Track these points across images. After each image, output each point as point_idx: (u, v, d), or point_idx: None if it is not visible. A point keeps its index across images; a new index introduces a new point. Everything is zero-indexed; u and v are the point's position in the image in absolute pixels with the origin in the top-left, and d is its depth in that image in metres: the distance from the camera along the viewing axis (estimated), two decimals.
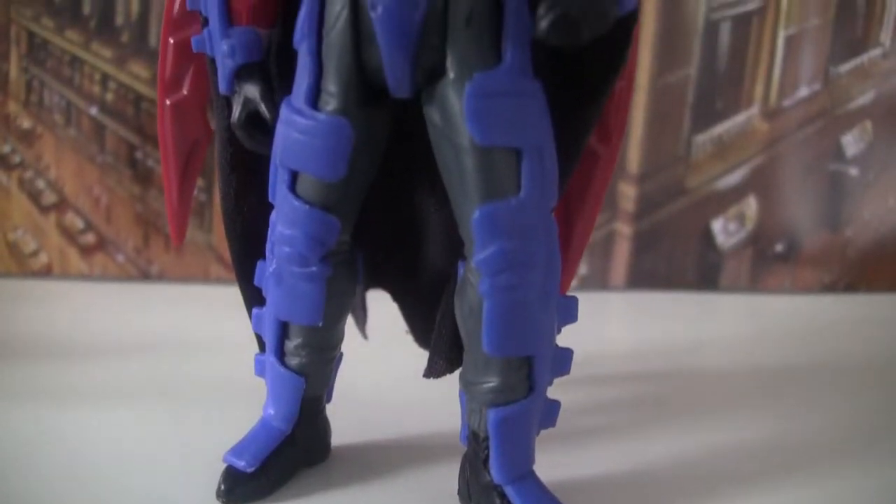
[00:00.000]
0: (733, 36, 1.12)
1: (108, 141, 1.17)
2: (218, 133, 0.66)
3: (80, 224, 1.19)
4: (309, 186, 0.59)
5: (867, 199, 1.17)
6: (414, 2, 0.54)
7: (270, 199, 0.62)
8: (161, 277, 1.19)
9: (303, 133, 0.58)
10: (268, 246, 0.63)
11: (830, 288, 1.19)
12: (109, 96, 1.15)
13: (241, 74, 0.62)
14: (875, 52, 1.15)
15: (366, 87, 0.57)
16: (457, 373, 0.65)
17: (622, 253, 1.17)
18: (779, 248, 1.17)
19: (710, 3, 1.11)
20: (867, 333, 1.05)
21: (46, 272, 1.21)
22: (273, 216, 0.62)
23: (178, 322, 1.03)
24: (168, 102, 0.72)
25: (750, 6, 1.12)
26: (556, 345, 0.61)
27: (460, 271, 0.61)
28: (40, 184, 1.18)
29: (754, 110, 1.14)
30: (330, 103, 0.57)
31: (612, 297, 1.17)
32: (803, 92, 1.14)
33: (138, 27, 1.15)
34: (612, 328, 1.07)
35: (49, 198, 1.19)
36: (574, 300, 0.61)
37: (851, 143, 1.15)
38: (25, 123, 1.18)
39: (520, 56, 0.55)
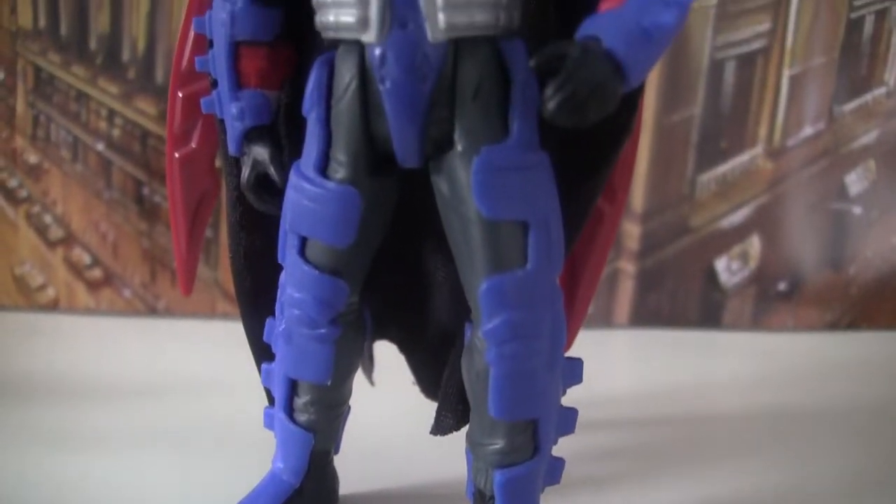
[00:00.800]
0: (738, 75, 1.12)
1: (115, 177, 1.18)
2: (227, 192, 0.67)
3: (87, 259, 1.20)
4: (318, 251, 0.60)
5: (870, 237, 1.18)
6: (422, 76, 0.55)
7: (280, 261, 0.62)
8: (168, 312, 1.19)
9: (312, 201, 0.58)
10: (277, 306, 0.64)
11: (833, 326, 1.19)
12: (116, 132, 1.16)
13: (250, 136, 0.63)
14: (879, 91, 1.15)
15: (374, 157, 0.58)
16: (464, 428, 0.66)
17: (626, 291, 1.17)
18: (782, 286, 1.18)
19: (714, 42, 1.11)
20: (870, 372, 1.06)
21: (53, 306, 1.22)
22: (283, 277, 0.63)
23: (185, 359, 1.04)
24: (177, 155, 0.73)
25: (755, 45, 1.13)
26: (561, 405, 0.62)
27: (467, 334, 0.61)
28: (47, 218, 1.19)
29: (758, 150, 1.15)
30: (339, 172, 0.58)
31: (616, 335, 1.17)
32: (807, 131, 1.15)
33: (144, 63, 1.16)
34: (615, 367, 1.08)
35: (56, 233, 1.20)
36: (579, 362, 0.62)
37: (855, 181, 1.16)
38: (32, 158, 1.18)
39: (527, 128, 0.56)
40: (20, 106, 1.18)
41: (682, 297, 1.17)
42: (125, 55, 1.16)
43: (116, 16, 1.14)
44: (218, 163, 0.71)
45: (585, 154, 0.61)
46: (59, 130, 1.18)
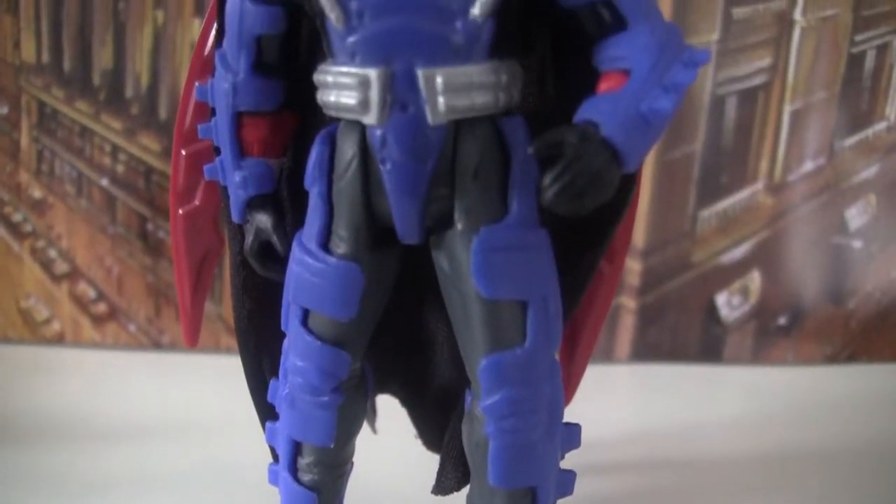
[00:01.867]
0: (739, 111, 1.13)
1: (120, 212, 1.18)
2: (231, 256, 0.68)
3: (92, 294, 1.21)
4: (320, 323, 0.60)
5: (870, 271, 1.18)
6: (423, 157, 0.55)
7: (283, 329, 0.63)
8: (172, 347, 1.20)
9: (314, 275, 0.59)
10: (281, 370, 0.64)
11: (832, 359, 1.20)
12: (120, 168, 1.17)
13: (252, 204, 0.63)
14: (880, 126, 1.16)
15: (376, 232, 0.59)
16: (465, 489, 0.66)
17: (627, 326, 1.18)
18: (782, 321, 1.18)
19: (716, 78, 1.12)
20: (870, 405, 1.07)
21: (59, 340, 1.23)
22: (286, 344, 0.63)
23: (190, 394, 1.05)
24: (181, 212, 0.73)
25: (756, 81, 1.13)
26: (560, 468, 0.63)
27: (467, 400, 0.62)
28: (52, 253, 1.20)
29: (759, 185, 1.15)
30: (340, 246, 0.58)
31: (617, 370, 1.18)
32: (808, 166, 1.15)
33: (148, 100, 1.16)
34: (616, 404, 1.08)
35: (61, 267, 1.21)
36: (577, 428, 0.63)
37: (855, 216, 1.16)
38: (37, 193, 1.19)
39: (526, 206, 0.57)
40: (24, 140, 1.18)
41: (682, 331, 1.18)
42: (128, 91, 1.16)
43: (119, 52, 1.15)
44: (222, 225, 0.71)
45: (585, 228, 0.62)
46: (63, 165, 1.19)
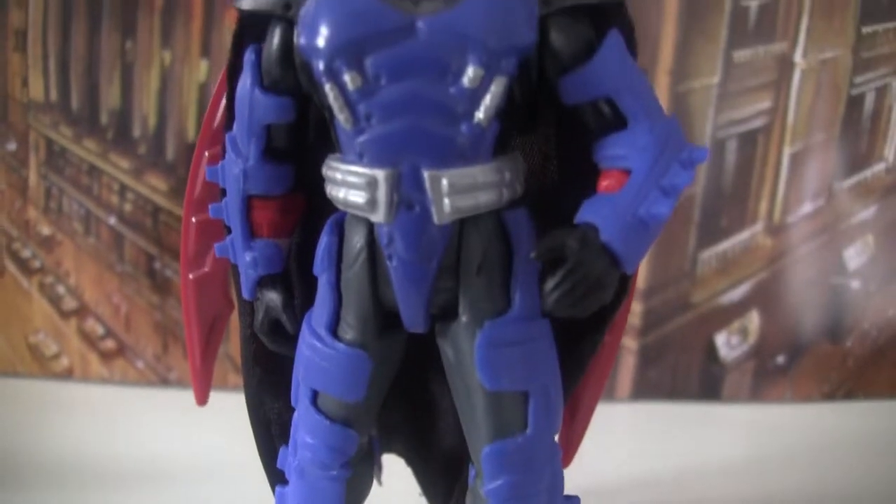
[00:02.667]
0: (739, 153, 1.14)
1: (127, 250, 1.20)
2: (241, 329, 0.69)
3: (100, 330, 1.23)
4: (329, 403, 0.62)
5: (868, 310, 1.20)
6: (428, 255, 0.57)
7: (293, 404, 0.65)
8: (180, 384, 1.22)
9: (323, 360, 0.61)
10: (291, 441, 0.66)
11: (830, 396, 1.21)
12: (127, 207, 1.18)
13: (263, 283, 0.65)
14: (878, 167, 1.17)
15: (383, 319, 0.60)
16: None
17: (627, 366, 1.20)
18: (780, 359, 1.20)
19: (716, 121, 1.13)
20: (867, 442, 1.08)
21: (67, 375, 1.25)
22: (296, 417, 0.65)
23: (196, 431, 1.06)
24: (191, 277, 0.75)
25: (756, 123, 1.14)
26: None
27: (471, 473, 0.64)
28: (60, 289, 1.22)
29: (758, 227, 1.16)
30: (349, 333, 0.60)
31: (618, 409, 1.19)
32: (807, 208, 1.16)
33: (155, 140, 1.18)
34: (618, 442, 1.09)
35: (69, 303, 1.22)
36: (576, 500, 0.64)
37: (853, 256, 1.17)
38: (45, 230, 1.21)
39: (528, 298, 0.59)
40: (33, 177, 1.20)
41: (682, 370, 1.19)
42: (136, 131, 1.18)
43: (127, 92, 1.17)
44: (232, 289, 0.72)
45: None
46: (71, 203, 1.20)
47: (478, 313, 0.58)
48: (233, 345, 1.20)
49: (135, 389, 1.23)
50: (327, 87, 0.55)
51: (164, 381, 1.23)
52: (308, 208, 0.67)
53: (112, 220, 1.20)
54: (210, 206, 0.68)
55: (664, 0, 1.09)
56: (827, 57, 1.13)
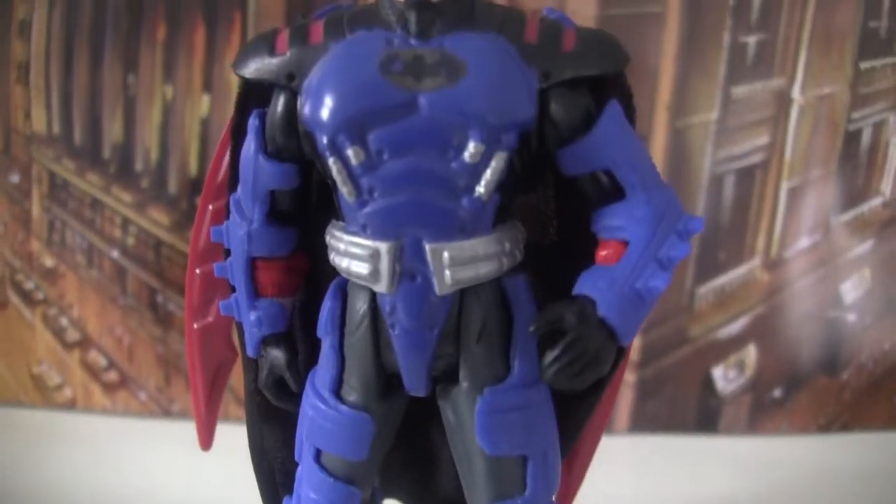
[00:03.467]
0: (737, 189, 1.15)
1: (130, 284, 1.21)
2: (245, 383, 0.71)
3: (102, 362, 1.23)
4: (332, 462, 0.63)
5: (864, 343, 1.20)
6: (430, 325, 0.59)
7: (297, 460, 0.66)
8: (182, 415, 1.22)
9: (326, 421, 0.62)
10: (294, 495, 0.67)
11: (826, 428, 1.22)
12: (130, 240, 1.19)
13: (267, 342, 0.66)
14: (875, 202, 1.18)
15: (385, 381, 0.62)
16: None
17: (626, 399, 1.20)
18: (776, 393, 1.21)
19: (714, 157, 1.14)
20: (863, 473, 1.09)
21: (70, 406, 1.26)
22: (300, 472, 0.66)
23: (199, 463, 1.07)
24: (196, 326, 0.76)
25: (754, 159, 1.15)
26: None
27: None
28: (63, 321, 1.23)
29: (756, 262, 1.17)
30: (351, 395, 0.62)
31: (616, 441, 1.20)
32: (804, 242, 1.17)
33: (157, 174, 1.18)
34: (616, 474, 1.09)
35: (72, 335, 1.23)
36: None
37: (850, 290, 1.18)
38: (48, 262, 1.22)
39: (528, 364, 0.60)
40: (36, 209, 1.21)
41: (680, 404, 1.20)
42: (138, 165, 1.19)
43: (129, 126, 1.17)
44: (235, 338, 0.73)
45: None
46: (74, 236, 1.21)
47: (478, 380, 0.60)
48: (234, 375, 1.20)
49: (137, 421, 1.23)
50: (331, 161, 0.56)
51: (167, 413, 1.24)
52: (311, 266, 0.68)
53: (115, 254, 1.21)
54: (215, 266, 0.69)
55: (663, 36, 1.10)
56: (825, 93, 1.14)
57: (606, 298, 0.56)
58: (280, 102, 0.60)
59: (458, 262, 0.57)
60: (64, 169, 1.20)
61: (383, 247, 0.57)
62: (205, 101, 1.15)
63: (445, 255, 0.57)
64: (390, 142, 0.56)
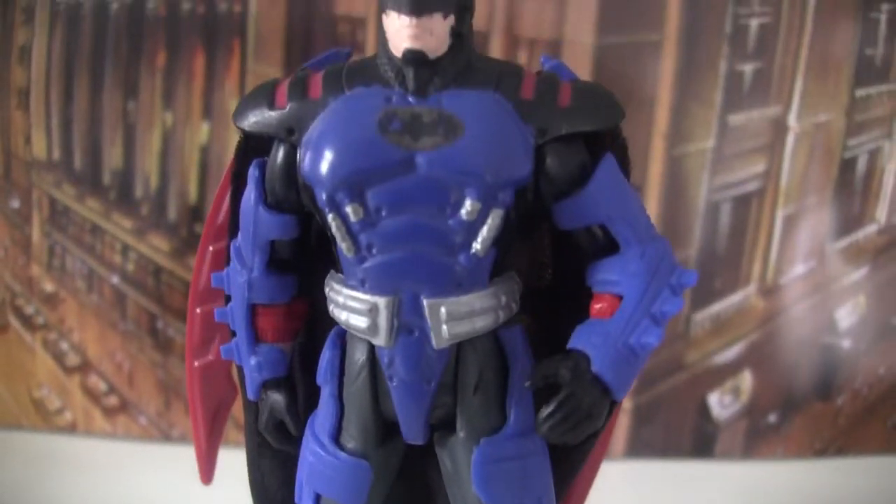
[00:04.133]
0: (733, 216, 1.15)
1: (130, 309, 1.22)
2: (246, 423, 0.72)
3: (103, 386, 1.24)
4: None
5: (858, 369, 1.21)
6: (427, 377, 0.60)
7: (297, 502, 0.67)
8: (182, 440, 1.23)
9: (326, 467, 0.64)
10: None
11: (821, 453, 1.23)
12: (130, 266, 1.20)
13: (267, 385, 0.67)
14: (870, 229, 1.18)
15: (384, 429, 0.63)
16: None
17: (622, 425, 1.21)
18: (772, 418, 1.21)
19: (711, 184, 1.14)
20: (858, 497, 1.10)
21: (71, 429, 1.26)
22: None
23: (198, 488, 1.07)
24: (196, 364, 0.77)
25: (750, 187, 1.16)
26: None
27: None
28: (64, 346, 1.23)
29: (751, 288, 1.18)
30: (350, 442, 0.63)
31: (612, 467, 1.19)
32: (799, 269, 1.18)
33: (157, 201, 1.19)
34: (611, 501, 1.10)
35: (73, 360, 1.24)
36: None
37: (845, 316, 1.18)
38: (48, 287, 1.22)
39: (524, 414, 0.62)
40: (36, 234, 1.21)
41: (675, 429, 1.21)
42: (138, 191, 1.19)
43: (129, 152, 1.18)
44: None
45: None
46: (74, 261, 1.22)
47: (474, 430, 0.61)
48: (235, 404, 1.22)
49: (138, 445, 1.24)
50: (330, 217, 0.57)
51: (167, 438, 1.25)
52: (311, 307, 0.69)
53: (115, 280, 1.22)
54: (216, 311, 0.70)
55: (660, 65, 1.10)
56: (820, 120, 1.15)
57: (600, 354, 0.57)
58: (280, 154, 0.61)
59: (455, 317, 0.58)
60: (64, 194, 1.20)
61: (381, 301, 0.58)
62: (204, 129, 1.16)
63: (443, 310, 0.58)
64: (388, 200, 0.57)
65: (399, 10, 0.56)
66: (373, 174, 0.57)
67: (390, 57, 0.58)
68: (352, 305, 0.60)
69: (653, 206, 1.13)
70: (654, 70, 1.11)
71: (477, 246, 0.57)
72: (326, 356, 0.64)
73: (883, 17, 1.13)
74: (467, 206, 0.56)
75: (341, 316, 0.61)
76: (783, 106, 1.14)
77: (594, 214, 0.59)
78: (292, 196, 0.61)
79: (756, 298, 1.18)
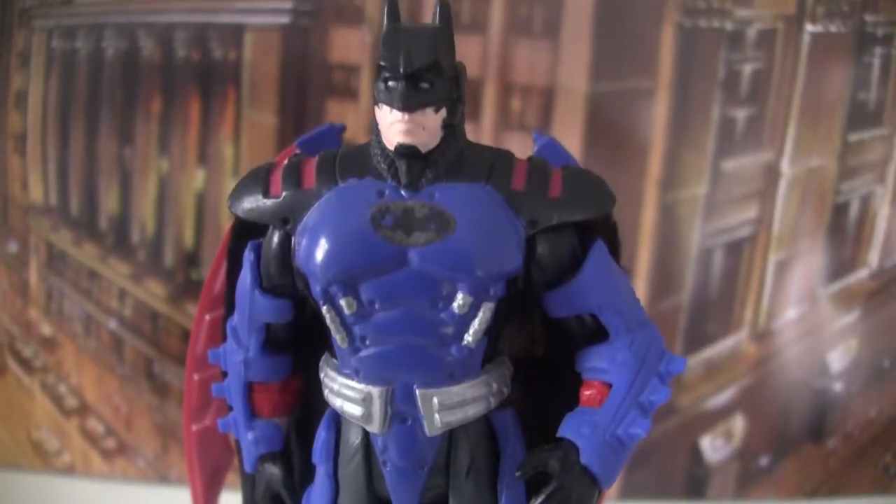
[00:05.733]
0: (725, 262, 1.16)
1: (127, 353, 1.22)
2: (243, 493, 0.73)
3: (101, 429, 1.25)
4: None
5: (850, 411, 1.21)
6: (420, 462, 0.62)
7: None
8: (179, 482, 1.23)
9: None
10: None
11: (812, 494, 1.23)
12: (127, 311, 1.20)
13: (263, 458, 0.68)
14: (862, 273, 1.18)
15: None
16: None
17: None
18: (763, 461, 1.22)
19: (703, 230, 1.15)
20: None
21: (70, 470, 1.27)
22: None
23: None
24: (194, 429, 0.78)
25: (742, 233, 1.16)
26: None
27: None
28: (62, 389, 1.24)
29: (743, 334, 1.18)
30: None
31: None
32: (791, 314, 1.18)
33: (153, 247, 1.20)
34: None
35: (71, 402, 1.24)
36: None
37: (836, 360, 1.19)
38: (46, 330, 1.23)
39: (514, 499, 0.62)
40: (33, 278, 1.22)
41: (667, 472, 1.21)
42: (135, 237, 1.20)
43: (125, 198, 1.19)
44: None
45: None
46: (72, 306, 1.22)
47: None
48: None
49: (136, 487, 1.25)
50: (324, 309, 0.59)
51: (164, 479, 1.25)
52: (307, 380, 0.70)
53: (112, 324, 1.22)
54: (213, 386, 0.71)
55: (654, 111, 1.11)
56: (813, 165, 1.15)
57: (589, 445, 0.58)
58: (275, 241, 0.62)
59: (447, 406, 0.59)
60: (61, 239, 1.21)
61: (375, 391, 0.59)
62: (200, 175, 1.17)
63: (435, 400, 0.59)
64: (381, 294, 0.58)
65: (392, 105, 0.56)
66: (366, 270, 0.58)
67: (383, 148, 0.59)
68: (346, 393, 0.61)
69: (645, 253, 1.14)
70: (648, 117, 1.11)
71: (469, 338, 0.58)
72: (322, 437, 0.65)
73: (876, 62, 1.14)
74: (459, 300, 0.57)
75: (336, 402, 0.62)
76: (776, 151, 1.14)
77: (584, 304, 0.60)
78: (287, 281, 0.62)
79: (748, 343, 1.19)
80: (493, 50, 1.10)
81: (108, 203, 1.19)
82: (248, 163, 1.10)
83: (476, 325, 0.58)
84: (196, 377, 0.77)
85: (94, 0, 1.17)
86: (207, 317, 0.76)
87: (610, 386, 0.60)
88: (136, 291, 1.21)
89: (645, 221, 1.13)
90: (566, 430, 0.60)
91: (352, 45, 1.11)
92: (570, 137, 1.09)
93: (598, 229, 0.62)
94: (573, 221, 0.60)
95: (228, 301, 0.70)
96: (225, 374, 0.69)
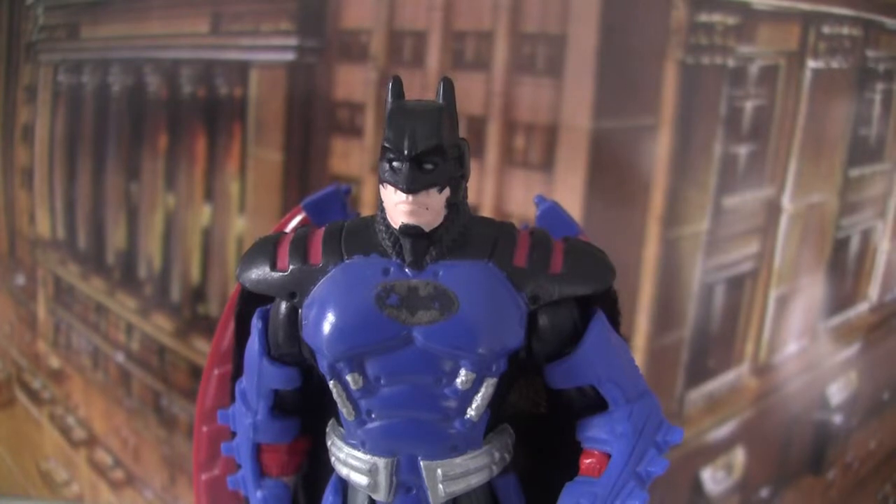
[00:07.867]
0: (726, 298, 1.16)
1: (135, 387, 1.23)
2: None
3: (109, 461, 1.26)
4: None
5: (850, 443, 1.22)
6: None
7: None
8: None
9: None
10: None
11: None
12: (135, 345, 1.22)
13: None
14: (862, 307, 1.19)
15: None
16: None
17: None
18: (764, 493, 1.23)
19: (705, 266, 1.15)
20: None
21: (78, 501, 1.29)
22: None
23: None
24: (203, 478, 0.80)
25: (743, 268, 1.16)
26: None
27: None
28: (70, 420, 1.25)
29: (744, 368, 1.19)
30: None
31: None
32: (792, 348, 1.18)
33: (160, 281, 1.21)
34: None
35: (79, 434, 1.26)
36: None
37: (836, 393, 1.19)
38: (55, 363, 1.24)
39: None
40: (41, 311, 1.23)
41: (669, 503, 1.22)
42: (142, 272, 1.21)
43: (132, 233, 1.20)
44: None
45: None
46: (80, 339, 1.24)
47: None
48: None
49: None
50: (331, 384, 0.60)
51: None
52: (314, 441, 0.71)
53: (120, 357, 1.24)
54: (222, 445, 0.73)
55: (656, 148, 1.11)
56: (814, 201, 1.16)
57: None
58: (282, 311, 0.63)
59: (450, 477, 0.61)
60: (69, 273, 1.22)
61: (381, 462, 0.61)
62: (206, 211, 1.18)
63: (439, 471, 0.60)
64: (387, 370, 0.59)
65: (396, 186, 0.57)
66: (372, 348, 0.59)
67: (388, 226, 0.59)
68: (353, 463, 0.62)
69: (648, 288, 1.14)
70: (650, 153, 1.12)
71: (471, 412, 0.60)
72: (329, 500, 0.66)
73: (878, 97, 1.14)
74: (462, 377, 0.59)
75: (342, 471, 0.63)
76: (777, 187, 1.15)
77: (584, 376, 0.61)
78: (294, 350, 0.63)
79: (749, 377, 1.19)
80: (496, 88, 1.10)
81: (116, 238, 1.21)
82: (253, 199, 1.12)
83: (479, 399, 0.59)
84: (205, 429, 0.79)
85: (100, 35, 1.18)
86: (216, 371, 0.78)
87: (609, 456, 0.62)
88: (143, 325, 1.22)
89: (647, 257, 1.13)
90: (567, 499, 0.61)
91: (356, 83, 1.12)
92: (574, 174, 1.10)
93: (598, 299, 0.63)
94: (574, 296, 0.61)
95: (236, 359, 0.72)
96: (234, 433, 0.71)
